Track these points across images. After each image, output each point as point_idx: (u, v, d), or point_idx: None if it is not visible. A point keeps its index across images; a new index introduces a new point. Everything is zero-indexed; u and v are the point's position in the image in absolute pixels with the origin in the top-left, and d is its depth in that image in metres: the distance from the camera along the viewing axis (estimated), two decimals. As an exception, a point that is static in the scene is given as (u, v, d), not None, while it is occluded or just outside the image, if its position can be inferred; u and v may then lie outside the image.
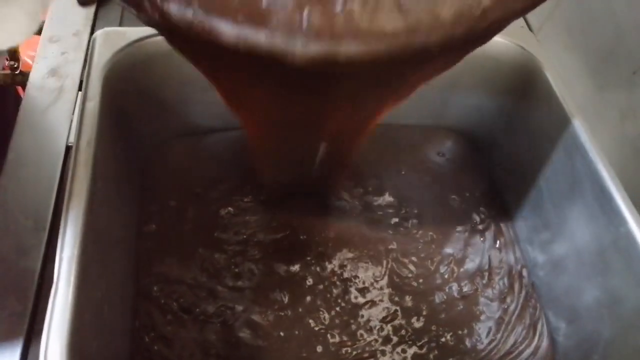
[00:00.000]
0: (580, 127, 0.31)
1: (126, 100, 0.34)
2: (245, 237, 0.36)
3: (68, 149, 0.32)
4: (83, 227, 0.25)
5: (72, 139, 0.30)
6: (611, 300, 0.29)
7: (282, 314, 0.33)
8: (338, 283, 0.35)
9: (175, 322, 0.32)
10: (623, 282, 0.28)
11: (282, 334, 0.32)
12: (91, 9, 0.40)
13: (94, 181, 0.27)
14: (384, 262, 0.36)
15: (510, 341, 0.33)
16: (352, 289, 0.35)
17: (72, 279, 0.24)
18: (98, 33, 0.33)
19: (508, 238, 0.38)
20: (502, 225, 0.39)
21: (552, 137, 0.33)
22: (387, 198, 0.39)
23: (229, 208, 0.38)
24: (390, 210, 0.39)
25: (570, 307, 0.33)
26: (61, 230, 0.25)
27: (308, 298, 0.34)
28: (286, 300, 0.34)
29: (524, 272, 0.37)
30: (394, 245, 0.37)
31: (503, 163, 0.40)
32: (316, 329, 0.33)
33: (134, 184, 0.37)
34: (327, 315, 0.33)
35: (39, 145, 0.32)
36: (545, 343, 0.34)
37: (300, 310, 0.33)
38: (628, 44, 0.33)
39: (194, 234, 0.36)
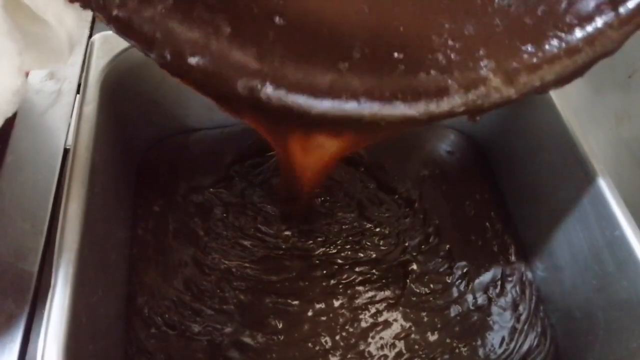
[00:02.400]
0: (575, 130, 0.32)
1: (124, 103, 0.35)
2: (227, 266, 0.36)
3: (66, 152, 0.34)
4: (80, 230, 0.26)
5: (69, 142, 0.31)
6: (605, 303, 0.30)
7: (275, 338, 0.33)
8: (347, 313, 0.35)
9: (159, 337, 0.33)
10: (617, 286, 0.29)
11: (274, 355, 0.33)
12: (88, 12, 0.42)
13: (91, 184, 0.28)
14: (402, 285, 0.36)
15: (524, 349, 0.34)
16: (363, 316, 0.35)
17: (69, 282, 0.25)
18: (96, 37, 0.34)
19: (517, 244, 0.39)
20: (511, 230, 0.40)
21: (547, 141, 0.34)
22: (416, 209, 0.40)
23: (207, 230, 0.37)
24: (418, 227, 0.39)
25: (567, 311, 0.34)
26: (58, 234, 0.26)
27: (306, 326, 0.34)
28: (280, 325, 0.34)
29: (532, 278, 0.38)
30: (414, 266, 0.37)
31: (503, 165, 0.41)
32: (316, 348, 0.33)
33: (129, 186, 0.38)
34: (329, 339, 0.34)
35: (37, 148, 0.33)
36: (552, 348, 0.35)
37: (296, 335, 0.33)
38: (624, 48, 0.34)
39: (175, 248, 0.36)
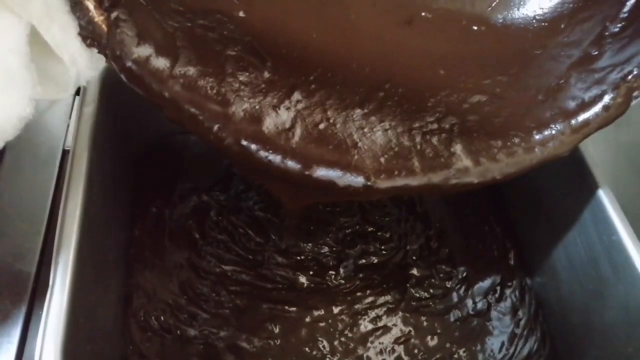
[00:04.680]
0: None
1: (123, 104, 0.36)
2: (222, 270, 0.37)
3: (64, 152, 0.34)
4: (79, 230, 0.27)
5: (68, 142, 0.32)
6: (602, 308, 0.31)
7: (272, 342, 0.34)
8: (346, 319, 0.35)
9: (155, 340, 0.33)
10: (614, 291, 0.29)
11: (271, 360, 0.33)
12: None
13: (90, 185, 0.29)
14: (402, 290, 0.37)
15: (523, 354, 0.35)
16: (363, 321, 0.35)
17: (68, 282, 0.25)
18: None
19: (517, 249, 0.40)
20: (510, 234, 0.40)
21: None
22: (417, 212, 0.41)
23: (203, 233, 0.38)
24: (418, 231, 0.40)
25: (564, 316, 0.35)
26: (57, 234, 0.27)
27: (304, 331, 0.35)
28: (277, 330, 0.34)
29: (531, 283, 0.38)
30: (414, 271, 0.38)
31: None
32: (314, 353, 0.34)
33: (128, 187, 0.39)
34: (327, 344, 0.34)
35: (36, 149, 0.34)
36: (551, 353, 0.35)
37: (293, 340, 0.34)
38: None
39: (171, 250, 0.37)
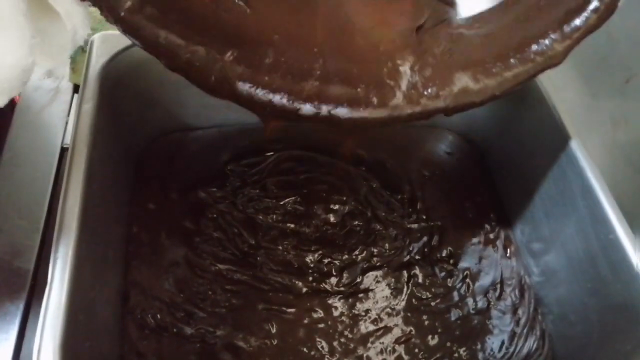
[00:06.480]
0: (571, 134, 0.33)
1: (122, 102, 0.36)
2: (218, 269, 0.37)
3: (63, 150, 0.35)
4: (77, 228, 0.27)
5: (67, 140, 0.32)
6: (600, 306, 0.31)
7: (269, 342, 0.34)
8: (346, 320, 0.36)
9: (152, 338, 0.33)
10: (611, 289, 0.30)
11: (267, 359, 0.33)
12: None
13: (89, 183, 0.29)
14: (404, 290, 0.37)
15: (523, 353, 0.35)
16: (363, 322, 0.36)
17: (66, 279, 0.25)
18: (95, 36, 0.35)
19: (515, 246, 0.40)
20: (509, 232, 0.41)
21: (543, 144, 0.35)
22: (419, 210, 0.41)
23: (199, 231, 0.38)
24: (421, 229, 0.40)
25: (562, 314, 0.35)
26: (56, 231, 0.27)
27: (302, 331, 0.35)
28: (274, 330, 0.35)
29: (530, 281, 0.38)
30: (416, 270, 0.38)
31: (501, 167, 0.42)
32: (312, 353, 0.34)
33: (127, 184, 0.39)
34: (325, 344, 0.34)
35: (35, 146, 0.34)
36: (551, 352, 0.35)
37: (290, 340, 0.34)
38: (620, 53, 0.35)
39: (168, 248, 0.37)
